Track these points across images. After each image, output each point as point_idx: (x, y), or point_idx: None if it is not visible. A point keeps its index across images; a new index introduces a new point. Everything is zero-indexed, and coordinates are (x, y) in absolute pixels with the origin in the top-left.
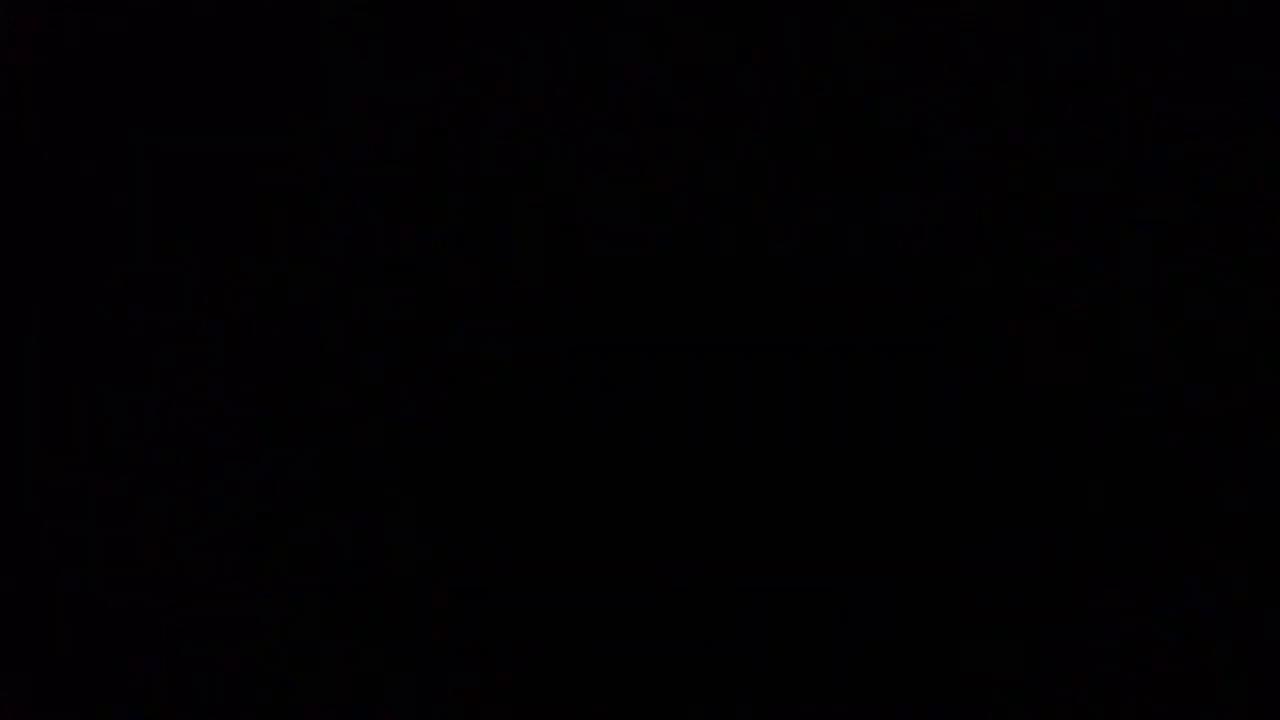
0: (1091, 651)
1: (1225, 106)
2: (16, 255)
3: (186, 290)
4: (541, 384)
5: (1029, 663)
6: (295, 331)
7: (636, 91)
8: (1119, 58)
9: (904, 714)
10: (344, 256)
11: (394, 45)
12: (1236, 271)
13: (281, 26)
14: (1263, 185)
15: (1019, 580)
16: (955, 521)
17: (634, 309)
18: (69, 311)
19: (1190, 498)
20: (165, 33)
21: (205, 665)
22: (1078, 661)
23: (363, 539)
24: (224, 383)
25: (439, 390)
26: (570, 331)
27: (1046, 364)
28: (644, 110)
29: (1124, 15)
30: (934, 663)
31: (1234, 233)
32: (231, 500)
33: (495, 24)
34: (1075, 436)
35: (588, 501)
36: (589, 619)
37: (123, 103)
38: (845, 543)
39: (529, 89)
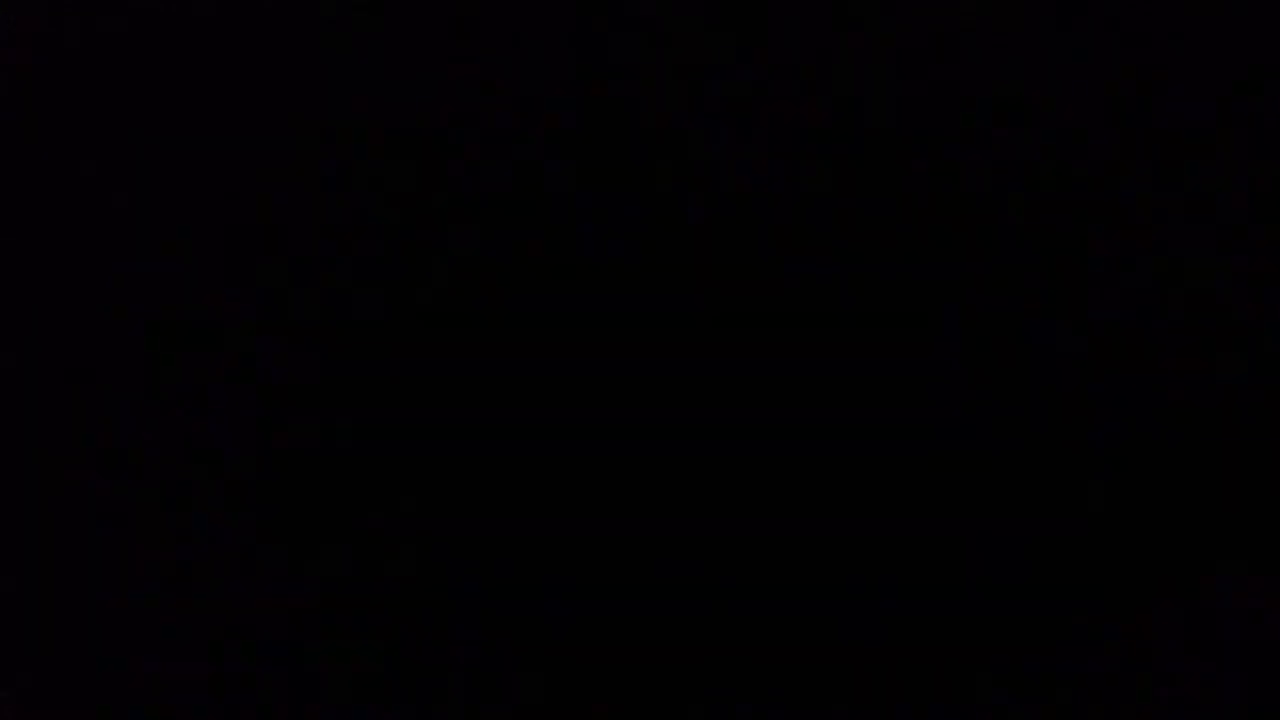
0: (1091, 652)
1: (1225, 106)
2: (16, 255)
3: (186, 290)
4: (541, 383)
5: (1027, 663)
6: (293, 331)
7: (636, 92)
8: (1119, 58)
9: (904, 714)
10: (343, 256)
11: (394, 45)
12: (1236, 271)
13: (281, 26)
14: (1262, 185)
15: (1017, 581)
16: (954, 521)
17: (633, 309)
18: (69, 311)
19: (1190, 497)
20: (165, 33)
21: (205, 665)
22: (1077, 662)
23: (362, 539)
24: (224, 383)
25: (439, 390)
26: (569, 332)
27: (1046, 363)
28: (644, 110)
29: (1124, 15)
30: (934, 663)
31: (1234, 233)
32: (231, 500)
33: (495, 24)
34: (1074, 436)
35: (585, 502)
36: (587, 619)
37: (123, 103)
38: (843, 543)
39: (529, 89)
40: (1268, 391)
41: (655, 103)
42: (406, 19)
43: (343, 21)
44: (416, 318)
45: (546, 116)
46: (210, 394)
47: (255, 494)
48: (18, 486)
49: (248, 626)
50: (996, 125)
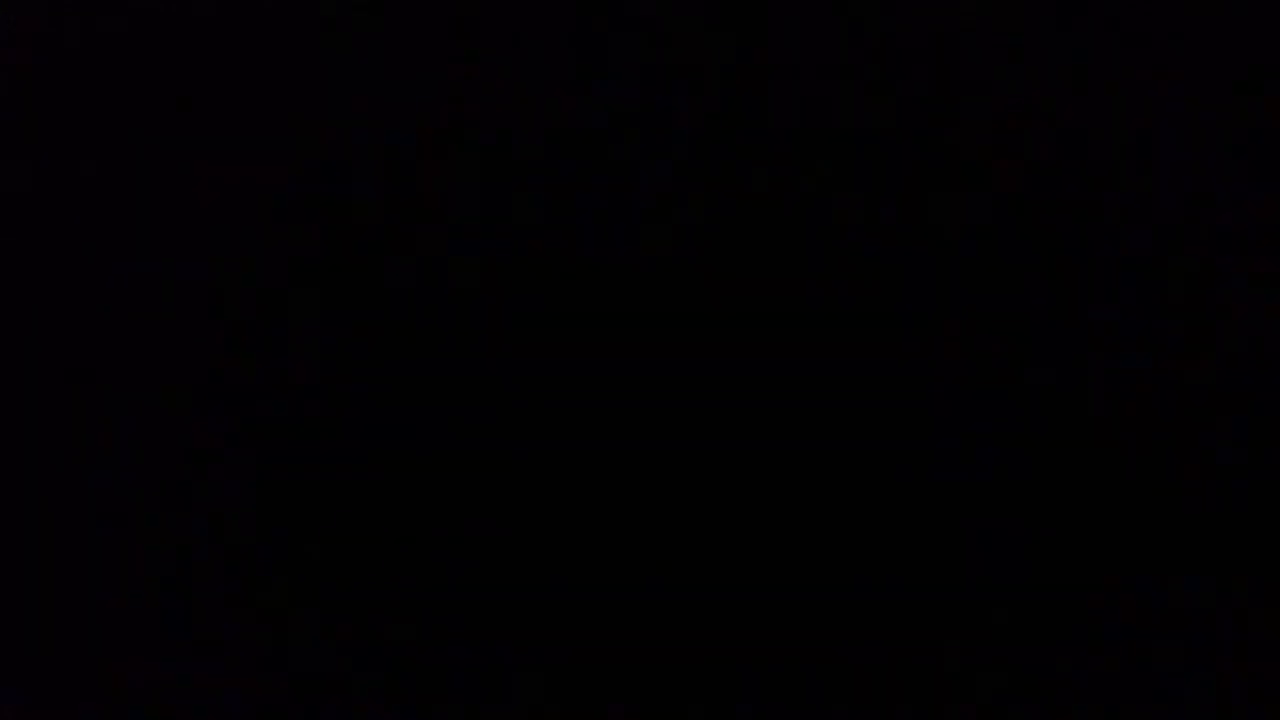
0: (1088, 652)
1: (1225, 106)
2: (16, 255)
3: (186, 290)
4: (541, 384)
5: (1024, 664)
6: (290, 331)
7: (636, 92)
8: (1119, 58)
9: (903, 715)
10: (342, 256)
11: (394, 45)
12: (1236, 272)
13: (281, 26)
14: (1262, 185)
15: (1014, 581)
16: (951, 522)
17: (632, 309)
18: (69, 311)
19: (1187, 498)
20: (165, 33)
21: (205, 665)
22: (1074, 662)
23: (360, 540)
24: (223, 382)
25: (438, 390)
26: (568, 332)
27: (1044, 364)
28: (643, 110)
29: (1124, 15)
30: (931, 663)
31: (1233, 233)
32: (230, 500)
33: (495, 24)
34: (1071, 436)
35: (583, 504)
36: (584, 620)
37: (123, 103)
38: (841, 544)
39: (529, 89)
40: (1262, 393)
41: (655, 103)
42: (406, 19)
43: (343, 21)
44: (416, 317)
45: (545, 117)
46: (209, 394)
47: (255, 494)
48: (17, 487)
49: (247, 627)
50: (995, 126)
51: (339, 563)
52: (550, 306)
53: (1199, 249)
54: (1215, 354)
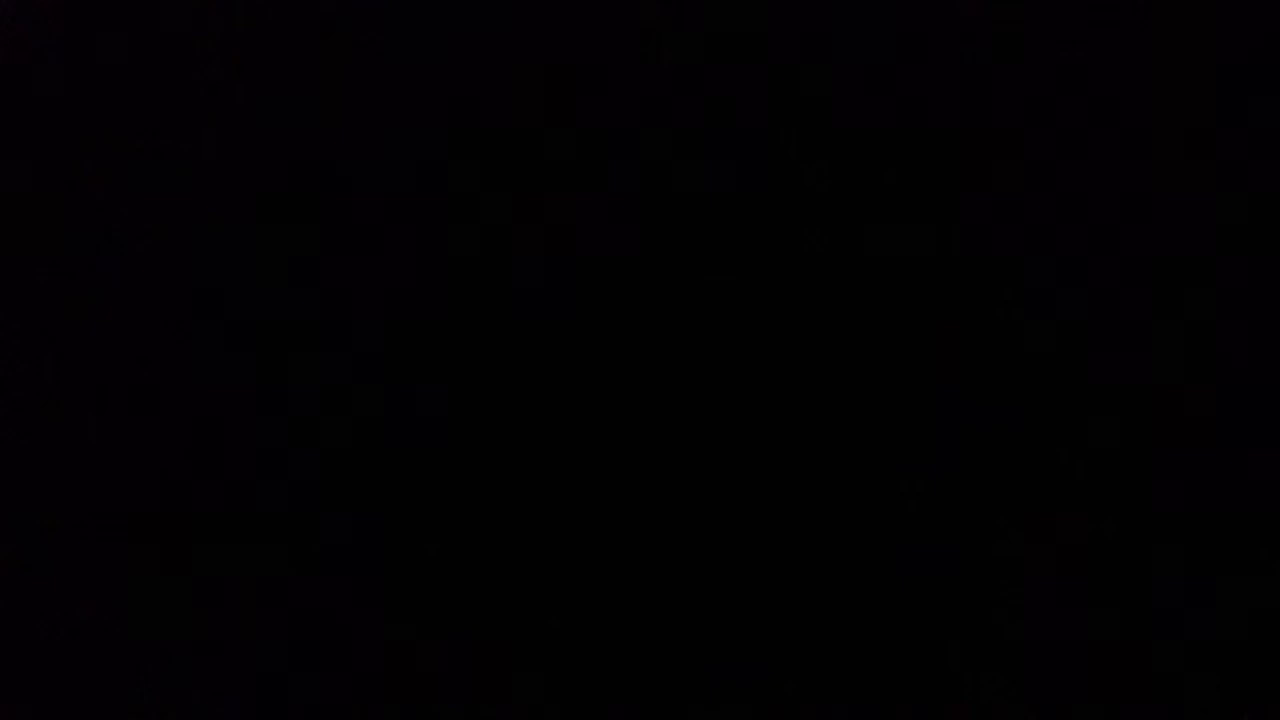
0: (1083, 651)
1: (1225, 106)
2: (16, 255)
3: (186, 290)
4: (539, 385)
5: (1020, 663)
6: (290, 331)
7: (636, 91)
8: (1118, 57)
9: (901, 714)
10: (342, 256)
11: (394, 45)
12: (1236, 271)
13: (281, 26)
14: (1262, 185)
15: (1012, 580)
16: (949, 522)
17: (632, 310)
18: (69, 311)
19: (1185, 497)
20: (165, 33)
21: (203, 667)
22: (1068, 660)
23: (360, 540)
24: (225, 383)
25: (439, 389)
26: (567, 331)
27: (1043, 364)
28: (643, 110)
29: (1124, 15)
30: (928, 662)
31: (1233, 232)
32: (230, 500)
33: (495, 24)
34: (1070, 436)
35: (582, 504)
36: (584, 620)
37: (123, 103)
38: (839, 543)
39: (529, 88)
40: (1267, 390)
41: (653, 102)
42: (406, 19)
43: (343, 21)
44: (414, 315)
45: (545, 115)
46: (207, 394)
47: (254, 494)
48: (17, 487)
49: (247, 628)
50: (993, 126)
51: (339, 562)
52: (549, 306)
53: (1199, 248)
54: (1215, 353)
